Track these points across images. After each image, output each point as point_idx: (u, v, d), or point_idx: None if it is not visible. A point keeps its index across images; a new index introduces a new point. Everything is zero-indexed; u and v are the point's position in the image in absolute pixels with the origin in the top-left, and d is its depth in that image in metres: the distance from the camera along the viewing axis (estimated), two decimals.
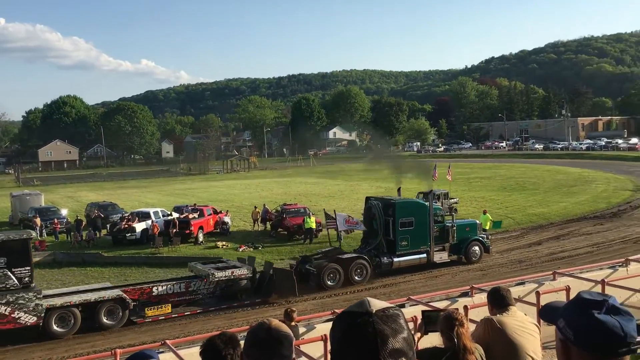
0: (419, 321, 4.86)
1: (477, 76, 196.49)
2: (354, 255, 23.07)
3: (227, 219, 33.73)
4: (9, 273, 17.81)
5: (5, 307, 17.39)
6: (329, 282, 21.75)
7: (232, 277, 21.05)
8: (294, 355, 2.29)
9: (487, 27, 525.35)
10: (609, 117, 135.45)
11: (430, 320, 4.62)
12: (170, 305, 19.85)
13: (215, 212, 34.55)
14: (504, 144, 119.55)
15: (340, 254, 23.14)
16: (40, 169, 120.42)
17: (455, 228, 24.42)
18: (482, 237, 25.10)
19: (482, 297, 10.06)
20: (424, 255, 23.69)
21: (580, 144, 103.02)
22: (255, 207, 35.57)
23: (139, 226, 31.76)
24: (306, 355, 8.50)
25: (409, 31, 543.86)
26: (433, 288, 19.13)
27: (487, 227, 28.00)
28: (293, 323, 9.32)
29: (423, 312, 5.20)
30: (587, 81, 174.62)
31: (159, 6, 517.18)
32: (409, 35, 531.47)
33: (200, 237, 30.97)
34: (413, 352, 1.56)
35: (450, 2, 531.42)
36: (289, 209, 32.62)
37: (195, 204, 36.78)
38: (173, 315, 19.58)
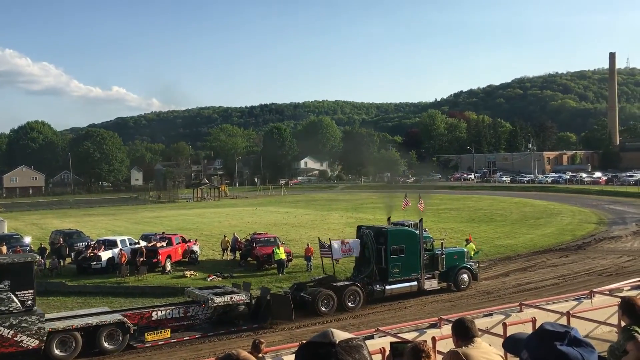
0: (387, 353, 4.86)
1: (447, 109, 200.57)
2: (347, 282, 23.24)
3: (196, 248, 33.32)
4: (12, 296, 17.59)
5: (8, 330, 17.18)
6: (322, 309, 21.97)
7: (231, 302, 20.99)
8: None
9: (457, 62, 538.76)
10: (574, 151, 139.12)
11: (398, 352, 4.63)
12: (169, 330, 19.73)
13: (184, 240, 34.12)
14: (472, 176, 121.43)
15: (334, 281, 23.27)
16: (4, 195, 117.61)
17: (444, 256, 24.85)
18: (470, 264, 25.53)
19: (450, 329, 10.10)
20: (415, 282, 24.05)
21: (546, 177, 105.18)
22: (225, 236, 35.24)
23: (105, 254, 31.12)
24: None
25: (380, 64, 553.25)
26: (402, 319, 19.14)
27: (472, 255, 28.46)
28: (260, 355, 9.20)
29: (391, 343, 5.21)
30: (552, 116, 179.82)
31: (131, 35, 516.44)
32: (381, 68, 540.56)
33: (168, 266, 30.46)
34: None
35: (420, 39, 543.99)
36: (259, 238, 32.40)
37: (163, 232, 36.27)
38: (172, 341, 19.34)
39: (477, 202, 67.02)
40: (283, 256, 28.86)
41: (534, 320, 10.66)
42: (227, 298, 21.08)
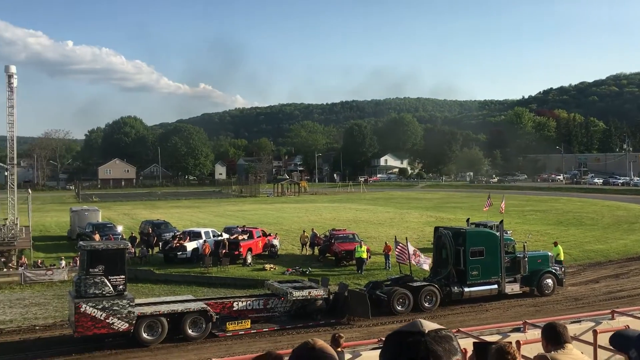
0: (469, 354, 4.72)
1: (535, 107, 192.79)
2: (424, 283, 23.04)
3: (275, 242, 33.92)
4: (106, 280, 18.71)
5: (101, 312, 18.27)
6: (398, 307, 21.91)
7: (309, 297, 21.28)
8: None
9: (546, 58, 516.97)
10: None
11: (482, 353, 4.48)
12: (249, 321, 20.26)
13: (265, 234, 34.82)
14: (561, 177, 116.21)
15: (411, 281, 23.10)
16: (99, 186, 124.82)
17: (527, 259, 24.06)
18: (555, 269, 24.63)
19: (535, 334, 9.70)
20: (495, 286, 23.48)
21: None
22: (304, 231, 35.64)
23: (190, 245, 32.32)
24: None
25: (465, 62, 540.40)
26: (483, 322, 18.58)
27: (562, 258, 27.43)
28: (339, 349, 9.22)
29: (474, 343, 5.05)
30: None
31: (215, 39, 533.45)
32: (466, 66, 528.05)
33: (249, 259, 31.22)
34: None
35: (506, 34, 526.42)
36: (338, 234, 32.54)
37: (245, 226, 37.20)
38: (252, 331, 19.89)
39: (566, 204, 64.02)
40: (364, 255, 28.58)
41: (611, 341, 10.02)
42: (305, 292, 21.30)
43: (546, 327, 5.03)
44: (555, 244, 29.27)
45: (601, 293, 24.22)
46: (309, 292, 21.37)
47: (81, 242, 22.13)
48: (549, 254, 26.01)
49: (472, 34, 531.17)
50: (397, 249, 25.31)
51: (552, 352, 4.60)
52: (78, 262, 24.31)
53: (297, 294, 21.15)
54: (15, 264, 31.00)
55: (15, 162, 38.30)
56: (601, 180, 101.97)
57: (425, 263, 24.75)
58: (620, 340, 1.75)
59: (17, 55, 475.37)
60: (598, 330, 9.86)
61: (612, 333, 1.88)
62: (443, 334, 1.51)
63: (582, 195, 76.61)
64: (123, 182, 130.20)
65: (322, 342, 2.29)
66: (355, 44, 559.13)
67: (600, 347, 9.37)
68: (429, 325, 1.55)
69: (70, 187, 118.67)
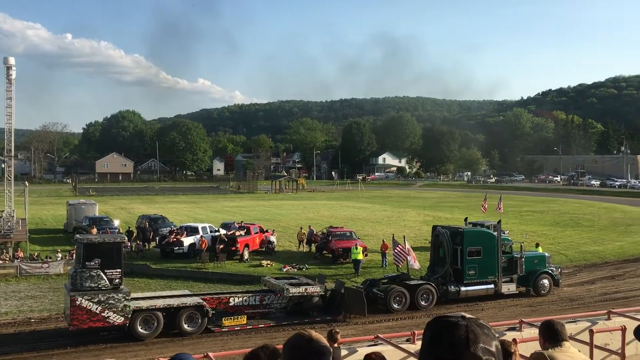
0: None
1: (533, 108, 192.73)
2: (421, 281, 23.08)
3: (273, 238, 33.91)
4: (102, 274, 18.69)
5: (97, 306, 18.26)
6: (395, 305, 21.96)
7: (306, 293, 21.31)
8: None
9: (545, 60, 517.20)
10: None
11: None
12: (245, 316, 20.27)
13: (262, 230, 34.81)
14: (558, 179, 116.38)
15: (407, 279, 23.16)
16: (96, 179, 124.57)
17: (523, 260, 24.14)
18: (551, 270, 24.64)
19: (531, 332, 9.70)
20: (492, 285, 23.55)
21: None
22: (301, 228, 35.63)
23: (187, 240, 32.29)
24: None
25: (464, 63, 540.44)
26: None
27: None
28: (336, 345, 9.20)
29: None
30: None
31: (215, 32, 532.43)
32: (465, 67, 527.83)
33: (246, 255, 31.20)
34: None
35: (505, 35, 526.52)
36: (335, 232, 32.53)
37: (242, 222, 37.18)
38: (248, 327, 19.92)
39: (563, 205, 64.11)
40: (360, 256, 28.04)
41: (623, 329, 10.05)
42: (302, 289, 21.35)
43: (544, 324, 5.01)
44: (537, 245, 29.31)
45: (597, 294, 24.28)
46: (306, 289, 21.43)
47: (77, 235, 22.08)
48: (546, 254, 26.05)
49: (473, 33, 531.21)
50: (395, 250, 25.25)
51: (550, 350, 4.58)
52: (74, 255, 24.27)
53: (294, 290, 21.19)
54: (11, 257, 30.93)
55: (12, 154, 38.21)
56: (598, 182, 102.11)
57: (415, 264, 24.85)
58: None
59: (16, 47, 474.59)
60: (594, 330, 9.87)
61: (637, 325, 1.90)
62: (482, 322, 1.60)
63: (579, 197, 76.74)
64: (120, 177, 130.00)
65: (316, 333, 2.26)
66: (354, 40, 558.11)
67: (597, 347, 9.38)
68: (468, 315, 1.63)
69: (68, 181, 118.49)
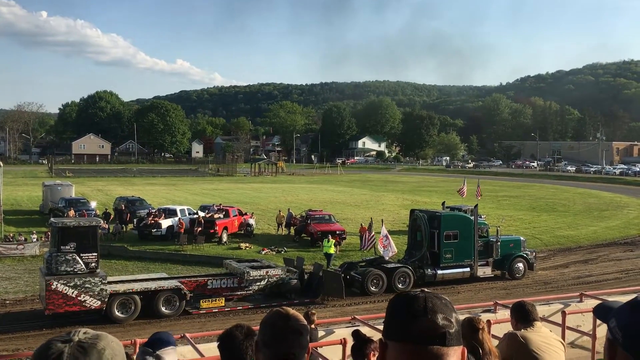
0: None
1: (512, 94, 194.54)
2: (398, 265, 23.23)
3: (251, 221, 33.87)
4: (77, 258, 18.51)
5: (73, 290, 18.10)
6: (372, 288, 22.08)
7: (266, 276, 21.36)
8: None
9: (524, 46, 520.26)
10: None
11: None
12: (223, 299, 20.29)
13: (241, 213, 34.72)
14: (535, 164, 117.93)
15: (385, 262, 23.30)
16: (73, 161, 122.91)
17: (499, 243, 24.43)
18: (526, 254, 25.00)
19: (505, 314, 9.87)
20: (468, 269, 23.79)
21: (614, 168, 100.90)
22: (280, 211, 35.63)
23: (165, 222, 32.09)
24: (324, 359, 8.44)
25: (443, 48, 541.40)
26: (455, 303, 18.74)
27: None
28: (312, 326, 9.28)
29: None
30: (624, 105, 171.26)
31: (197, 10, 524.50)
32: (444, 52, 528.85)
33: (224, 237, 31.13)
34: (459, 334, 1.57)
35: (487, 21, 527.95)
36: (314, 215, 32.60)
37: (221, 204, 37.02)
38: (226, 309, 19.95)
39: (539, 190, 65.00)
40: (332, 250, 26.41)
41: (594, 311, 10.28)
42: (262, 272, 21.47)
43: (515, 305, 5.11)
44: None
45: (570, 277, 24.74)
46: (266, 272, 21.51)
47: (52, 219, 21.75)
48: (522, 238, 26.41)
49: (452, 17, 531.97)
50: (382, 245, 24.25)
51: (522, 330, 4.68)
52: (50, 238, 23.97)
53: (255, 273, 21.27)
54: None
55: None
56: (574, 168, 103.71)
57: (388, 253, 23.90)
58: (602, 310, 1.78)
59: None
60: (567, 312, 10.08)
61: (599, 304, 1.92)
62: (442, 297, 1.63)
63: (555, 182, 77.86)
64: (97, 158, 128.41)
65: (294, 311, 2.27)
66: (338, 26, 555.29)
67: (569, 328, 9.59)
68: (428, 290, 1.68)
69: (43, 162, 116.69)
